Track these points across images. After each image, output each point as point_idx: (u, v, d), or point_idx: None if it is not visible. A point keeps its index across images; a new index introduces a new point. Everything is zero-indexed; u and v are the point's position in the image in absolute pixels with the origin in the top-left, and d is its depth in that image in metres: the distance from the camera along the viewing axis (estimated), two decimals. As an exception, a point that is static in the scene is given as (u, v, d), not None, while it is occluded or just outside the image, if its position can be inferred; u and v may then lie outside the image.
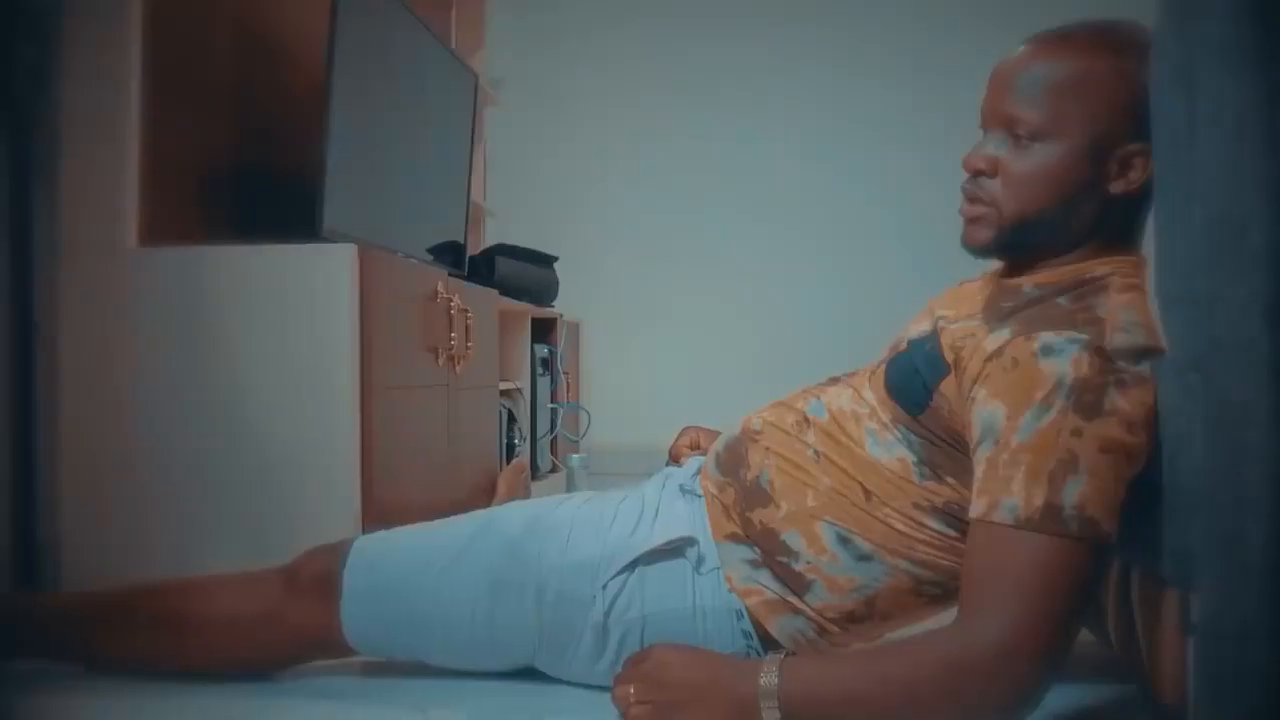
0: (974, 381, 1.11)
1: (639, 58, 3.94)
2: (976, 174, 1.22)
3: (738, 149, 3.88)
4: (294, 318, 1.72)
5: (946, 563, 1.21)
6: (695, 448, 1.59)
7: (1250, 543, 0.87)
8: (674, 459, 1.59)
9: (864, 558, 1.22)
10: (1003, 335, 1.12)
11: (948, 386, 1.15)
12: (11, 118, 1.65)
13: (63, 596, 1.60)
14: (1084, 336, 1.08)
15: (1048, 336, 1.08)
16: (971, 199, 1.23)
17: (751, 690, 1.11)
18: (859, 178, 3.81)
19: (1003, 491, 1.04)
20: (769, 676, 1.11)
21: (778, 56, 3.86)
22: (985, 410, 1.08)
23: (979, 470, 1.08)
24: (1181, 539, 1.02)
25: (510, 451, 2.78)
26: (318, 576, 1.33)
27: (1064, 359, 1.05)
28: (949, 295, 1.32)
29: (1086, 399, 1.04)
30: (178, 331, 1.74)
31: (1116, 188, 1.17)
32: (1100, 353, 1.07)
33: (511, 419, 2.81)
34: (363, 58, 2.02)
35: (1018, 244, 1.22)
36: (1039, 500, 1.02)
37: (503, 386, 2.69)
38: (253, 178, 2.18)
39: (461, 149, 2.75)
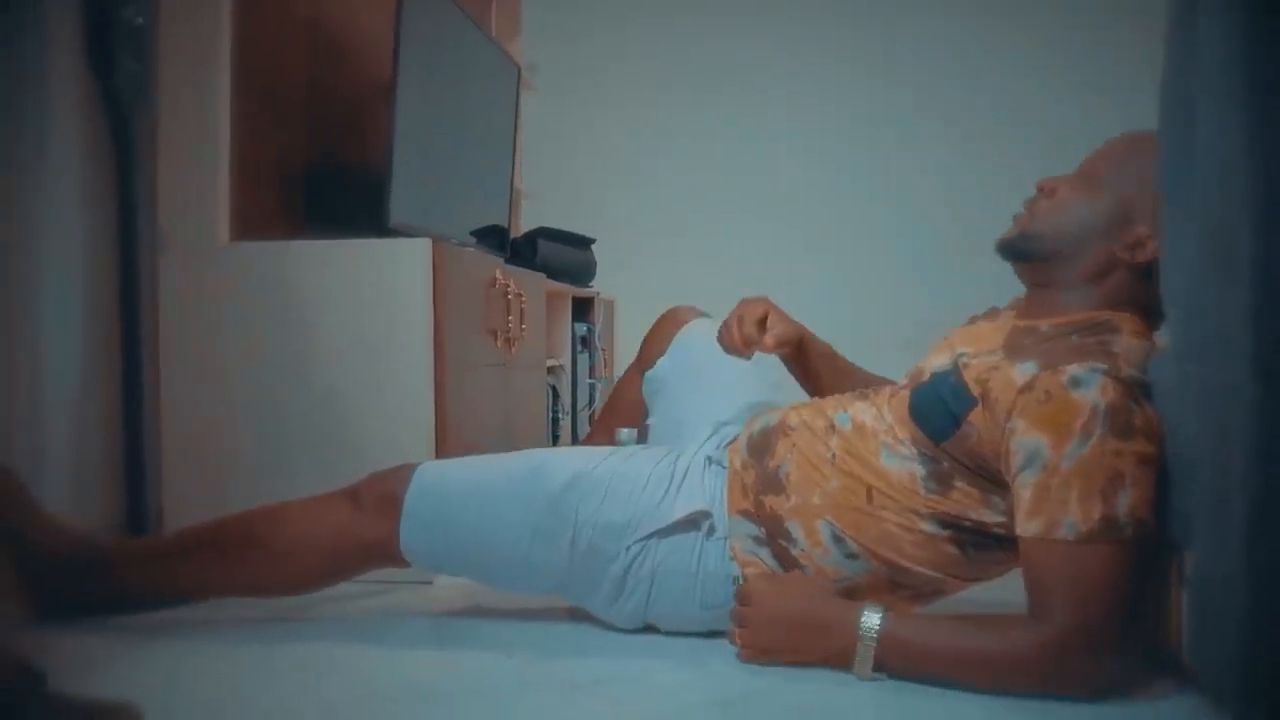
0: (1009, 413, 1.25)
1: (670, 43, 4.05)
2: (1039, 191, 1.44)
3: (768, 131, 3.99)
4: (373, 306, 1.88)
5: (921, 570, 1.38)
6: (762, 323, 1.58)
7: (1234, 506, 1.02)
8: (739, 336, 1.56)
9: (851, 556, 1.39)
10: (1029, 369, 1.26)
11: (977, 417, 1.30)
12: (117, 125, 1.80)
13: (156, 539, 1.77)
14: (1105, 366, 1.23)
15: (1074, 369, 1.23)
16: (1025, 205, 1.46)
17: (850, 630, 1.28)
18: (895, 161, 3.92)
19: (1060, 511, 1.20)
20: (870, 619, 1.28)
21: (809, 42, 3.97)
22: (1027, 440, 1.23)
23: (1026, 494, 1.23)
24: (1178, 504, 1.18)
25: (555, 425, 2.95)
26: (382, 495, 1.51)
27: (1092, 388, 1.21)
28: (965, 332, 1.48)
29: (1119, 421, 1.20)
30: (267, 319, 1.90)
31: (1123, 255, 1.36)
32: (1120, 379, 1.22)
33: (555, 394, 2.97)
34: (423, 57, 2.16)
35: (1026, 251, 1.42)
36: (1096, 514, 1.18)
37: (548, 364, 2.85)
38: (323, 174, 2.34)
39: (506, 138, 2.89)
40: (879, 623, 1.28)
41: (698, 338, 1.78)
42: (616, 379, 3.65)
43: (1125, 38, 3.51)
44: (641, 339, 1.89)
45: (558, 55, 4.03)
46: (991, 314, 1.53)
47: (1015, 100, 3.83)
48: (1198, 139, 1.10)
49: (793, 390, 1.76)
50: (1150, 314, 1.37)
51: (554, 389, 2.95)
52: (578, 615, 1.56)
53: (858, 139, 3.96)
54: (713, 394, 1.71)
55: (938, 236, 3.81)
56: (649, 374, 1.82)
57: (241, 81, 1.97)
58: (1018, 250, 1.43)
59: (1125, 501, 1.19)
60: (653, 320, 1.91)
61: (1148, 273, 1.34)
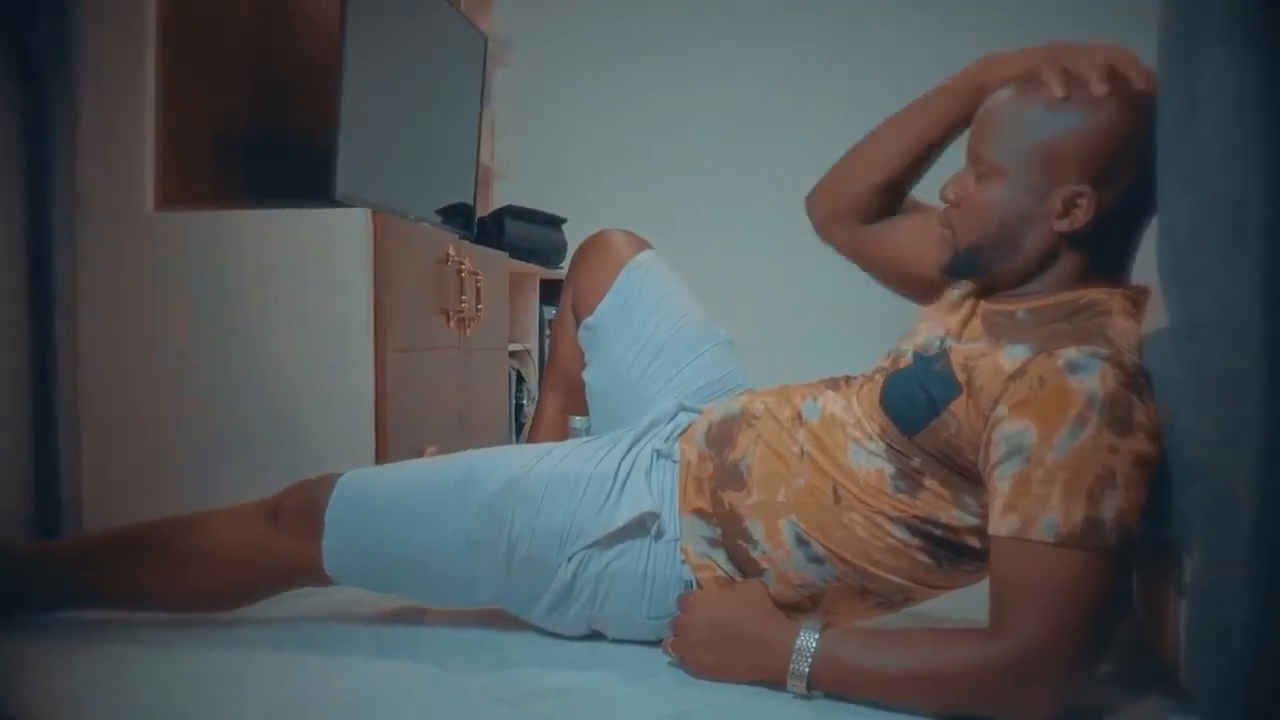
0: (995, 401, 1.13)
1: (650, 17, 3.92)
2: (946, 203, 1.31)
3: (752, 111, 3.87)
4: (309, 281, 1.77)
5: (890, 578, 1.26)
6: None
7: (1240, 508, 0.91)
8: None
9: (817, 560, 1.27)
10: (1020, 353, 1.14)
11: (959, 406, 1.17)
12: (30, 84, 1.66)
13: (66, 542, 1.65)
14: (1105, 350, 1.10)
15: (1071, 353, 1.09)
16: (942, 224, 1.32)
17: (785, 649, 1.16)
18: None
19: (1039, 509, 1.07)
20: (807, 639, 1.16)
21: (795, 24, 3.85)
22: (1012, 428, 1.10)
23: (1004, 486, 1.10)
24: (1177, 504, 1.06)
25: (519, 412, 2.83)
26: (301, 510, 1.37)
27: (1091, 375, 1.07)
28: (942, 313, 1.35)
29: (1118, 414, 1.06)
30: (195, 294, 1.78)
31: (1060, 226, 1.21)
32: (1122, 366, 1.09)
33: (520, 380, 2.85)
34: (376, 20, 2.03)
35: (970, 268, 1.30)
36: (1078, 516, 1.05)
37: (511, 348, 2.73)
38: (268, 142, 2.21)
39: (471, 111, 2.77)
40: (815, 643, 1.15)
41: (648, 279, 1.61)
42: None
43: (1122, 32, 3.39)
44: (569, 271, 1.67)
45: (533, 29, 3.90)
46: (965, 301, 1.39)
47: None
48: (1199, 89, 0.98)
49: (748, 356, 1.62)
50: (1115, 272, 1.25)
51: (519, 374, 2.83)
52: (519, 620, 1.43)
53: (847, 118, 3.79)
54: (670, 359, 1.56)
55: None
56: (588, 322, 1.61)
57: (171, 39, 1.83)
58: (961, 271, 1.31)
59: (1113, 505, 1.06)
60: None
61: (1094, 236, 1.21)
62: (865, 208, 1.47)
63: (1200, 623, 1.01)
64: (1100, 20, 3.42)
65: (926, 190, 1.46)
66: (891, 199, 1.48)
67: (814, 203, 1.54)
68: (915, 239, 1.44)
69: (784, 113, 3.84)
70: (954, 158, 1.44)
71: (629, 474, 1.36)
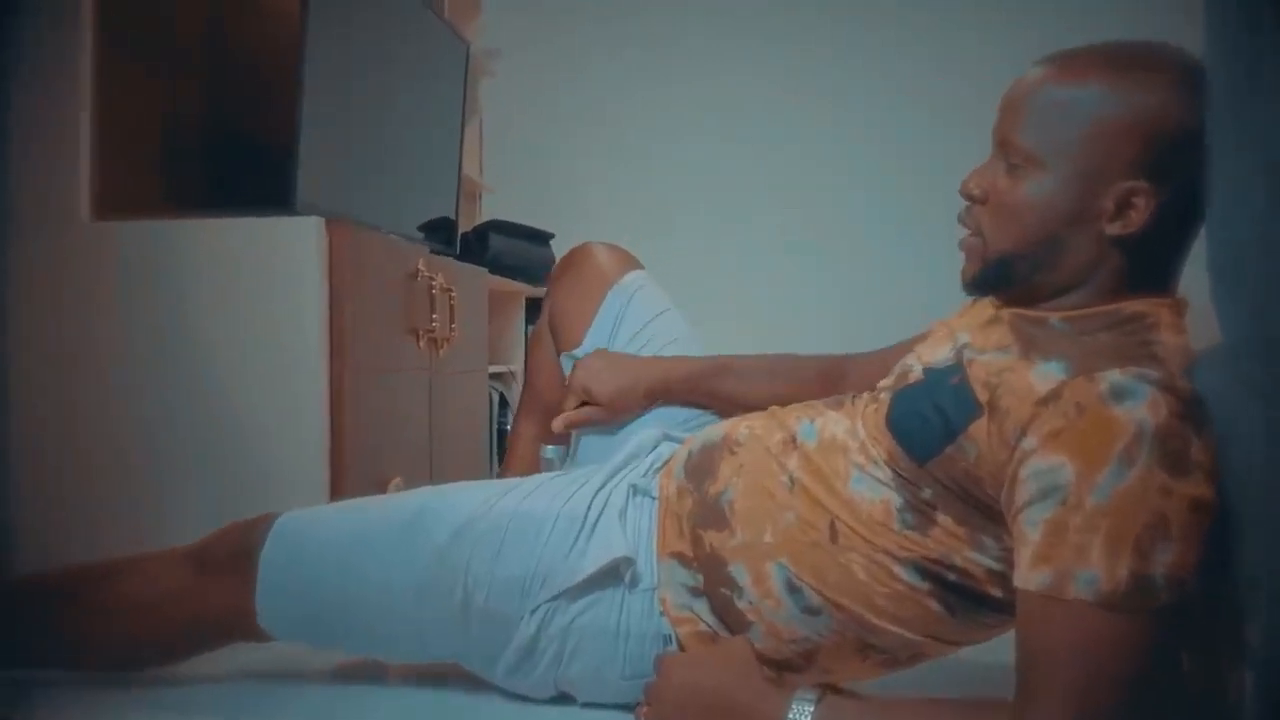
0: (1022, 429, 0.96)
1: (643, 30, 3.81)
2: (970, 200, 1.11)
3: (747, 124, 3.74)
4: (258, 294, 1.62)
5: (896, 630, 1.10)
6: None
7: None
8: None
9: (811, 610, 1.11)
10: (1053, 373, 0.98)
11: (978, 430, 1.01)
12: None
13: None
14: (1155, 374, 0.94)
15: (1115, 376, 0.93)
16: (966, 227, 1.13)
17: None
18: (877, 155, 3.68)
19: (1077, 562, 0.91)
20: (800, 710, 1.00)
21: (791, 27, 3.73)
22: (1044, 464, 0.94)
23: (1034, 533, 0.94)
24: (1238, 557, 0.90)
25: (501, 436, 2.67)
26: (232, 554, 1.23)
27: (1139, 403, 0.91)
28: (963, 319, 1.19)
29: (1171, 450, 0.90)
30: (135, 309, 1.64)
31: (1113, 229, 1.04)
32: (1175, 392, 0.93)
33: (504, 403, 2.70)
34: (341, 14, 1.89)
35: (1003, 280, 1.11)
36: (1124, 572, 0.90)
37: (494, 370, 2.57)
38: (225, 147, 2.06)
39: (452, 121, 2.62)
40: (810, 714, 0.99)
41: (635, 304, 1.48)
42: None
43: (1122, 25, 3.26)
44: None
45: (523, 41, 3.77)
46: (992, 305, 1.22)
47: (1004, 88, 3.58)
48: (1260, 64, 0.82)
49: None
50: (1162, 282, 1.07)
51: (503, 397, 2.68)
52: (483, 679, 1.27)
53: (847, 118, 3.70)
54: None
55: (932, 231, 3.53)
56: (575, 354, 1.48)
57: (112, 28, 1.68)
58: (989, 284, 1.12)
59: (1165, 559, 0.89)
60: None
61: (1146, 240, 1.04)
62: None
63: (1269, 695, 0.84)
64: (1099, 17, 3.29)
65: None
66: None
67: None
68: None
69: (784, 113, 3.72)
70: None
71: (601, 513, 1.20)
